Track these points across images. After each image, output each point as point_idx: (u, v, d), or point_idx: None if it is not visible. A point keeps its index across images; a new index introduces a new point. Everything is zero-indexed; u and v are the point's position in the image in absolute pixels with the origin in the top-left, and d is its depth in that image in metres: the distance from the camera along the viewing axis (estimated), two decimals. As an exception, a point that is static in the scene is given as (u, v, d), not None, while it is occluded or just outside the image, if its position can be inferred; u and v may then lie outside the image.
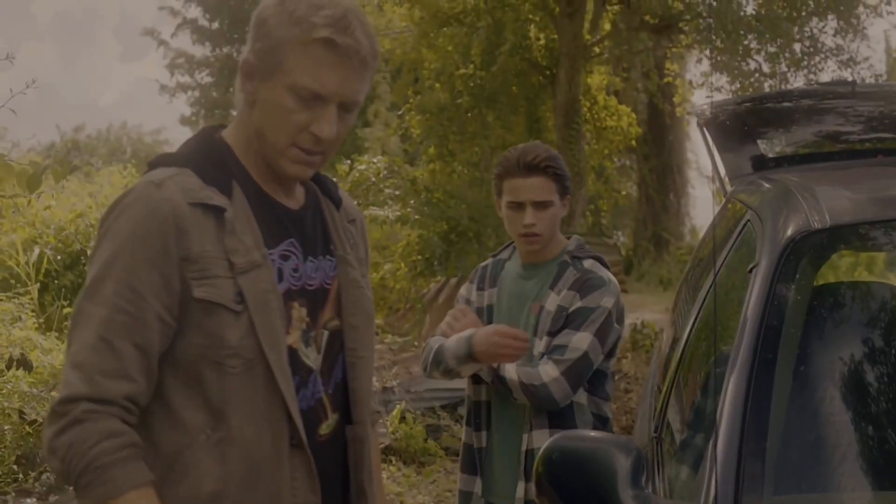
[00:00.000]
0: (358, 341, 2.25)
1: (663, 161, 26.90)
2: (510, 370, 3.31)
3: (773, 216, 2.84)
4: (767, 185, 3.41)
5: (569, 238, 3.58)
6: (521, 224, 3.42)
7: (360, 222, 2.40)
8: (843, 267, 3.26)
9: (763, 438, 2.19)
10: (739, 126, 4.53)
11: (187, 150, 2.12)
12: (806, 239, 2.60)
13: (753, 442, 2.17)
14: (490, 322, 3.50)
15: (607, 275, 3.44)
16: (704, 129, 4.54)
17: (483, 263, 3.72)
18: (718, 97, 9.21)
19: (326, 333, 2.19)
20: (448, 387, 10.20)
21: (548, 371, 3.25)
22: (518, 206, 3.43)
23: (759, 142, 4.53)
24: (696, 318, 3.27)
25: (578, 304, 3.35)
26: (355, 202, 2.53)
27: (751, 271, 2.62)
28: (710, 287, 3.24)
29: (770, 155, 4.42)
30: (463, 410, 10.04)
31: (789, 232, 2.63)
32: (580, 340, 3.29)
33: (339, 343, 2.23)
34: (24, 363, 6.94)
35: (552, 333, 3.34)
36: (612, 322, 3.36)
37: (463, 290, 3.70)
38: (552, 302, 3.39)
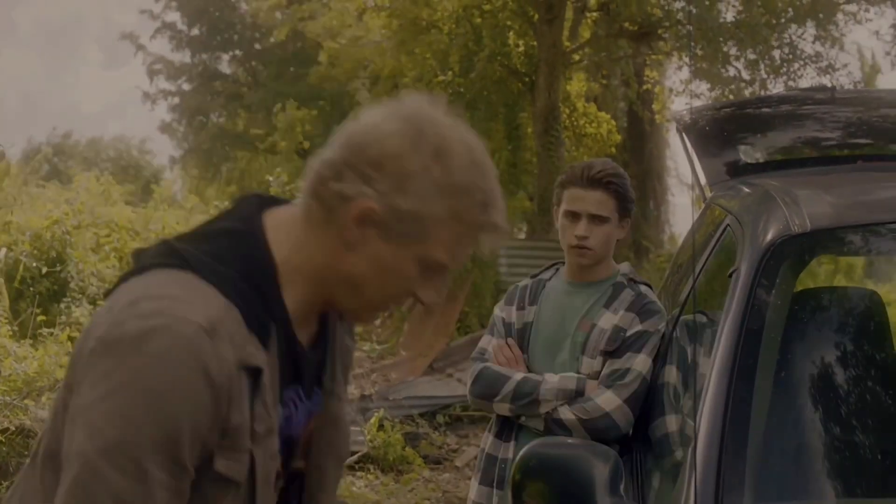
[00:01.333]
0: (320, 485, 1.93)
1: (643, 169, 26.94)
2: (564, 412, 3.22)
3: (754, 220, 2.81)
4: (747, 190, 3.38)
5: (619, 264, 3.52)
6: (574, 235, 3.35)
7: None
8: (823, 272, 3.23)
9: (743, 446, 2.16)
10: (719, 132, 4.51)
11: (227, 252, 1.66)
12: (786, 243, 2.57)
13: (733, 449, 2.14)
14: (529, 340, 3.43)
15: (660, 303, 3.40)
16: (684, 134, 4.52)
17: (522, 283, 3.61)
18: (698, 104, 9.21)
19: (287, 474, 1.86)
20: (426, 394, 10.18)
21: (609, 400, 3.17)
22: (574, 217, 3.36)
23: (738, 147, 4.51)
24: (675, 324, 3.24)
25: (638, 327, 3.27)
26: None
27: (731, 275, 2.59)
28: (690, 292, 3.21)
29: (750, 160, 4.40)
30: (441, 418, 10.00)
31: (769, 236, 2.60)
32: (641, 364, 3.21)
33: (299, 485, 1.90)
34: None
35: (608, 353, 3.26)
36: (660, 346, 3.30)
37: (498, 311, 3.57)
38: (607, 321, 3.31)
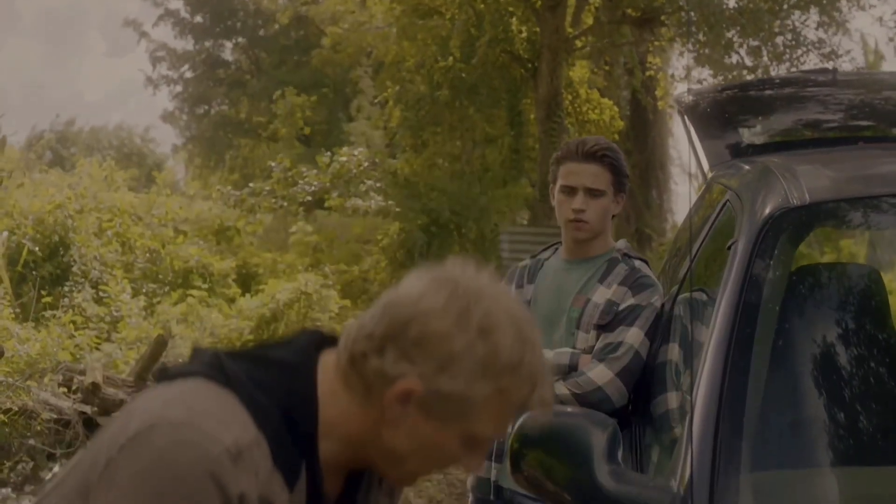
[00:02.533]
0: None
1: (646, 157, 26.91)
2: (559, 387, 3.21)
3: (752, 195, 2.82)
4: (747, 167, 3.40)
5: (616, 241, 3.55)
6: (571, 208, 3.39)
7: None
8: (822, 246, 3.25)
9: (740, 416, 2.17)
10: (720, 113, 4.52)
11: (272, 382, 1.60)
12: (785, 215, 2.58)
13: (730, 419, 2.15)
14: None
15: (654, 277, 3.43)
16: (685, 116, 4.52)
17: (522, 263, 3.66)
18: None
19: None
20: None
21: (601, 373, 3.20)
22: (570, 191, 3.40)
23: (740, 129, 4.52)
24: (675, 301, 3.26)
25: (631, 300, 3.30)
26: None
27: (729, 248, 2.60)
28: (689, 269, 3.22)
29: (751, 142, 4.41)
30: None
31: (768, 209, 2.62)
32: (633, 337, 3.23)
33: None
34: (-1, 351, 6.94)
35: (601, 327, 3.29)
36: (658, 321, 3.32)
37: None
38: (601, 295, 3.34)
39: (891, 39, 14.13)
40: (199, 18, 30.13)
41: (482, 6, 14.01)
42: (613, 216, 3.49)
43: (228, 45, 31.03)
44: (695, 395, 2.24)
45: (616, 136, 15.91)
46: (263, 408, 1.55)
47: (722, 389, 2.19)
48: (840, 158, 3.45)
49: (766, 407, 2.25)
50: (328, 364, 1.63)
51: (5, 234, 10.04)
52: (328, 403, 1.60)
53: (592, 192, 3.37)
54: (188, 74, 31.05)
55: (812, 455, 2.27)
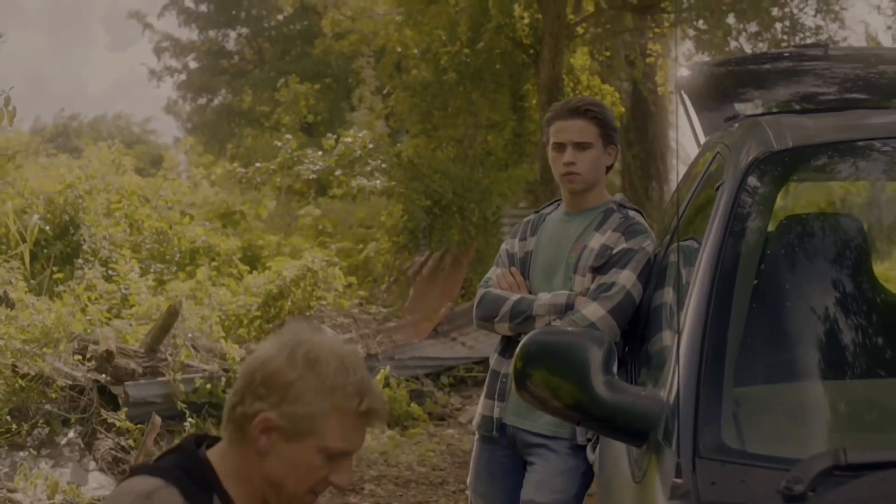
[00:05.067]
0: None
1: (646, 149, 27.00)
2: (557, 325, 3.46)
3: (740, 143, 3.01)
4: (738, 124, 3.59)
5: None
6: (562, 163, 3.64)
7: None
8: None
9: (723, 335, 2.37)
10: (715, 87, 4.69)
11: (170, 463, 2.15)
12: (769, 158, 2.78)
13: (714, 338, 2.35)
14: (529, 267, 3.71)
15: (647, 225, 3.65)
16: (682, 91, 4.69)
17: (526, 218, 3.93)
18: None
19: None
20: (431, 356, 10.40)
21: (594, 311, 3.43)
22: (560, 147, 3.65)
23: (734, 102, 4.69)
24: (667, 249, 3.45)
25: (623, 245, 3.54)
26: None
27: (717, 189, 2.80)
28: (679, 216, 3.42)
29: (746, 113, 4.58)
30: (446, 379, 10.19)
31: (753, 153, 2.81)
32: (625, 278, 3.47)
33: None
34: (6, 301, 7.14)
35: (595, 269, 3.53)
36: (651, 266, 3.55)
37: (504, 245, 3.89)
38: (596, 241, 3.59)
39: (889, 27, 14.26)
40: (203, 8, 30.26)
41: (486, -8, 14.20)
42: (609, 169, 3.71)
43: (233, 34, 31.15)
44: (684, 316, 2.44)
45: (617, 122, 16.03)
46: (166, 468, 2.12)
47: (708, 309, 2.38)
48: (826, 116, 3.65)
49: (748, 329, 2.45)
50: (214, 452, 2.18)
51: (36, 217, 10.23)
52: (221, 463, 2.14)
53: (580, 146, 3.62)
54: (192, 65, 31.19)
55: (787, 372, 2.48)
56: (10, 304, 7.18)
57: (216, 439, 2.22)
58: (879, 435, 2.32)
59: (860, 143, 2.97)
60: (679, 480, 2.02)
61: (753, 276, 2.59)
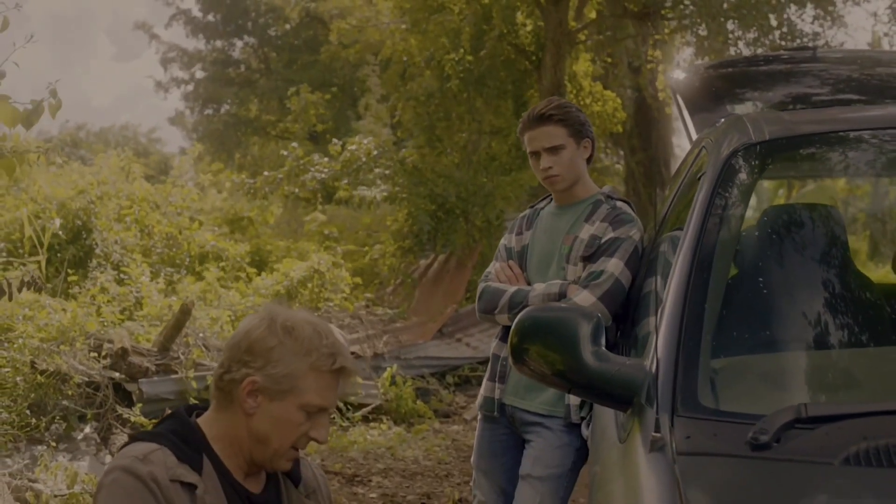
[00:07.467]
0: None
1: (650, 155, 27.12)
2: None
3: (721, 137, 3.23)
4: (723, 120, 3.80)
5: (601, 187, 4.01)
6: (541, 169, 3.87)
7: (323, 490, 2.65)
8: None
9: (701, 310, 2.58)
10: (708, 88, 4.89)
11: (164, 429, 2.39)
12: (748, 149, 2.99)
13: (694, 314, 2.56)
14: (526, 260, 3.94)
15: (634, 215, 3.86)
16: (677, 94, 4.89)
17: (522, 214, 4.16)
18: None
19: None
20: (436, 355, 10.61)
21: (585, 298, 3.63)
22: (535, 155, 3.88)
23: (727, 103, 4.88)
24: (656, 237, 3.66)
25: (611, 234, 3.75)
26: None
27: (699, 178, 3.02)
28: (668, 209, 3.64)
29: (738, 114, 4.78)
30: (451, 379, 10.37)
31: (733, 145, 3.03)
32: (613, 266, 3.69)
33: None
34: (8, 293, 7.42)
35: (586, 258, 3.75)
36: (639, 254, 3.76)
37: (502, 240, 4.12)
38: (586, 232, 3.80)
39: (885, 34, 14.46)
40: (210, 17, 30.52)
41: (488, 1, 14.41)
42: (590, 159, 3.93)
43: (239, 44, 31.40)
44: (666, 292, 2.65)
45: (620, 128, 16.24)
46: (159, 433, 2.39)
47: (688, 285, 2.60)
48: (805, 112, 3.87)
49: (724, 304, 2.66)
50: (204, 419, 2.44)
51: (56, 221, 10.45)
52: (211, 428, 2.40)
53: (553, 150, 3.84)
54: (199, 74, 31.44)
55: (758, 344, 2.69)
56: (10, 297, 7.44)
57: (205, 409, 2.49)
58: (836, 394, 2.55)
59: (834, 135, 3.19)
60: (658, 434, 2.23)
61: (730, 259, 2.80)
